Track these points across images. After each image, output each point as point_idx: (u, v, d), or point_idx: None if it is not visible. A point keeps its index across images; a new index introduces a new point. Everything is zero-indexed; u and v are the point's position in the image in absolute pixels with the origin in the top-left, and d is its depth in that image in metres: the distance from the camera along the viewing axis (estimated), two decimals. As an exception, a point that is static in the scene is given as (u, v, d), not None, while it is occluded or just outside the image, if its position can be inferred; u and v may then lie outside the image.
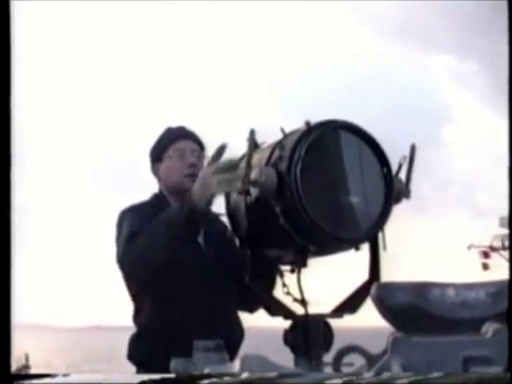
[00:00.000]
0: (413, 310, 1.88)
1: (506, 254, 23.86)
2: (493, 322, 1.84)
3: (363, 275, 2.54)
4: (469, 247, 24.53)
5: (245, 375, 1.75)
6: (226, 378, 1.76)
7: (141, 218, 3.03)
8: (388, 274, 2.52)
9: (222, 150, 2.71)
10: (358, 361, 1.89)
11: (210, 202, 2.71)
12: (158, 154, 3.29)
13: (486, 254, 24.19)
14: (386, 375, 1.72)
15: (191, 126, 3.38)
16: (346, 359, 1.87)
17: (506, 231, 23.48)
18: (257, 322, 3.17)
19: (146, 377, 1.91)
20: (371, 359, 1.86)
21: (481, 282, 1.97)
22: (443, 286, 1.93)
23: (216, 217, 2.96)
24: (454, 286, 1.93)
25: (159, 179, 3.29)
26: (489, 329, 1.82)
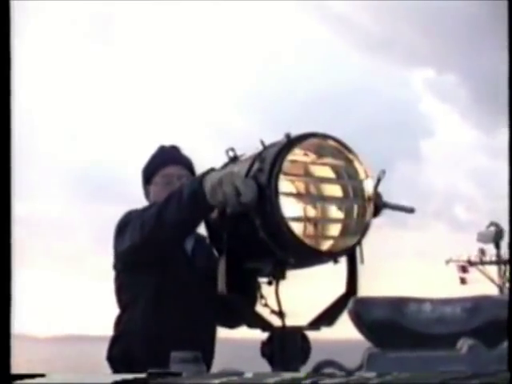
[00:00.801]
0: (389, 325, 1.89)
1: (484, 268, 24.10)
2: (468, 337, 1.85)
3: (340, 288, 2.54)
4: (447, 261, 24.74)
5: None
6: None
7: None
8: (365, 287, 2.53)
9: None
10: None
11: (216, 201, 2.45)
12: (146, 177, 3.35)
13: (463, 269, 24.40)
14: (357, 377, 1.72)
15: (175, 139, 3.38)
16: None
17: (483, 246, 23.73)
18: (234, 333, 3.18)
19: (118, 377, 1.92)
20: (347, 374, 1.86)
21: (457, 297, 1.99)
22: (420, 302, 1.93)
23: None
24: (431, 301, 1.94)
25: (149, 201, 3.32)
26: (464, 344, 1.83)
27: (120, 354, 3.13)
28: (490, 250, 23.90)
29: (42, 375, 1.94)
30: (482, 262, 24.40)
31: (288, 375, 1.80)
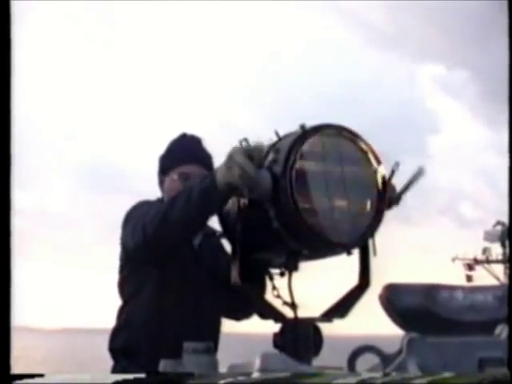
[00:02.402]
0: (421, 311, 1.93)
1: (490, 267, 24.11)
2: (506, 324, 1.85)
3: (353, 280, 2.53)
4: (453, 259, 24.75)
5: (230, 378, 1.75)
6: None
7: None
8: (377, 280, 2.54)
9: (259, 149, 2.42)
10: (371, 361, 1.88)
11: (231, 185, 2.43)
12: (163, 168, 3.27)
13: (470, 267, 24.41)
14: (400, 375, 1.71)
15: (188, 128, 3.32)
16: (361, 358, 1.86)
17: (489, 245, 23.74)
18: (245, 327, 3.17)
19: (119, 377, 1.93)
20: (386, 359, 1.86)
21: (488, 285, 1.98)
22: (452, 289, 1.99)
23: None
24: (463, 288, 1.99)
25: (162, 191, 3.27)
26: (503, 331, 1.83)
27: (122, 344, 3.12)
28: (496, 248, 23.92)
29: (42, 375, 1.95)
30: (488, 261, 24.39)
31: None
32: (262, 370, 1.76)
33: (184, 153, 3.25)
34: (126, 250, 3.00)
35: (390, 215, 2.51)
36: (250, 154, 2.37)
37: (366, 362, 1.86)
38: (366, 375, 1.73)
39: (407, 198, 2.57)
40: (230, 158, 2.41)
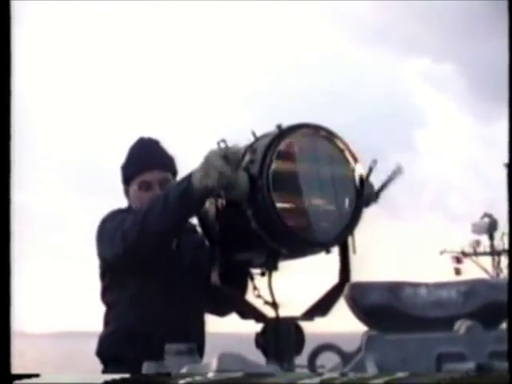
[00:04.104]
0: (386, 308, 1.91)
1: (478, 259, 24.19)
2: (465, 319, 1.87)
3: (333, 278, 2.53)
4: (441, 252, 24.81)
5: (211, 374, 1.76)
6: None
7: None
8: (358, 277, 2.50)
9: (236, 152, 2.40)
10: (332, 360, 1.91)
11: (208, 189, 2.42)
12: (125, 177, 3.19)
13: (458, 260, 24.49)
14: (360, 375, 1.73)
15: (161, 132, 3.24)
16: (321, 357, 1.88)
17: (477, 237, 23.81)
18: (226, 326, 3.17)
19: (109, 377, 1.96)
20: (346, 357, 1.88)
21: (452, 281, 2.02)
22: (415, 286, 1.96)
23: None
24: (426, 285, 1.96)
25: (129, 200, 3.21)
26: (462, 326, 1.85)
27: (108, 350, 3.11)
28: (484, 240, 24.00)
29: (41, 375, 1.96)
30: (476, 253, 24.48)
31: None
32: (219, 370, 1.77)
33: (142, 160, 3.15)
34: (106, 261, 2.98)
35: (377, 211, 2.53)
36: (226, 156, 2.36)
37: (328, 361, 1.88)
38: (324, 376, 1.74)
39: (395, 194, 2.58)
40: (207, 161, 2.41)
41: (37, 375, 1.95)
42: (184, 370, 1.88)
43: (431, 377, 1.73)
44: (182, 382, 1.75)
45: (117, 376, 2.04)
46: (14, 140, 2.07)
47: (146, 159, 3.14)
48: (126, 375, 2.10)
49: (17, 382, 1.92)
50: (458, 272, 24.16)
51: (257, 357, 2.26)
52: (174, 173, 3.15)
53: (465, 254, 24.59)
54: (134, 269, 2.87)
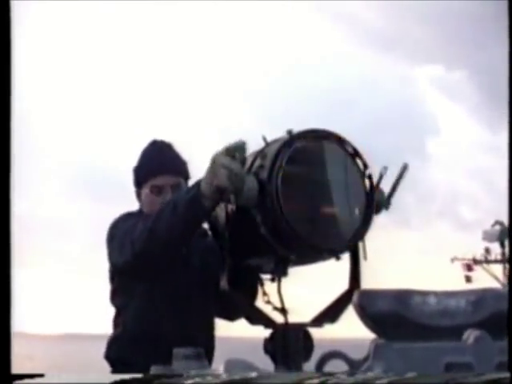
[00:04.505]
0: (394, 317, 1.90)
1: (489, 267, 24.11)
2: (474, 329, 1.86)
3: (343, 285, 2.53)
4: (452, 260, 24.73)
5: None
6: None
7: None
8: (367, 285, 2.50)
9: (241, 146, 2.39)
10: (340, 368, 1.90)
11: (217, 194, 2.41)
12: (137, 181, 3.19)
13: (469, 267, 24.41)
14: (363, 376, 1.72)
15: (172, 135, 3.20)
16: (328, 365, 1.88)
17: (488, 244, 23.75)
18: (236, 331, 3.16)
19: (117, 377, 1.95)
20: (353, 365, 1.87)
21: (461, 290, 2.01)
22: (424, 294, 1.95)
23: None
24: (435, 293, 1.96)
25: (141, 203, 3.21)
26: (470, 336, 1.84)
27: (116, 354, 3.12)
28: (496, 248, 23.91)
29: (42, 375, 1.95)
30: (487, 261, 24.39)
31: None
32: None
33: (154, 164, 3.15)
34: (115, 266, 2.98)
35: (387, 219, 2.53)
36: (232, 153, 2.36)
37: (336, 368, 1.87)
38: (328, 376, 1.74)
39: (405, 201, 2.56)
40: (214, 162, 2.40)
41: (37, 375, 1.95)
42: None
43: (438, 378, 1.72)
44: (189, 382, 1.75)
45: (124, 376, 2.05)
46: (13, 140, 2.09)
47: (158, 163, 3.13)
48: (133, 375, 2.09)
49: (17, 382, 1.92)
50: (468, 280, 24.08)
51: (265, 363, 2.29)
52: (187, 177, 3.14)
53: (476, 262, 24.50)
54: (143, 275, 2.87)
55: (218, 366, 1.86)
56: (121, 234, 2.85)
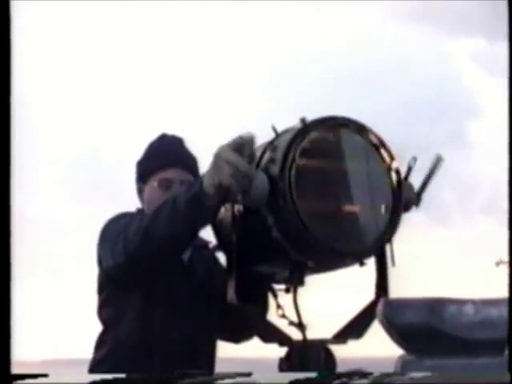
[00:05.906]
0: (425, 329, 1.81)
1: None
2: None
3: (369, 295, 2.41)
4: (497, 263, 24.61)
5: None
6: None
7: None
8: (396, 294, 2.37)
9: (249, 140, 2.24)
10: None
11: (220, 192, 2.27)
12: (142, 174, 3.00)
13: (517, 271, 24.43)
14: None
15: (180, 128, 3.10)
16: None
17: None
18: (246, 351, 3.01)
19: (97, 377, 1.97)
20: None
21: (503, 297, 1.88)
22: (460, 303, 1.84)
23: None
24: (473, 302, 1.85)
25: (142, 201, 3.01)
26: (514, 350, 1.75)
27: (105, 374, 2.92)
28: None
29: (42, 375, 1.94)
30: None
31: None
32: None
33: (164, 156, 2.97)
34: (106, 270, 2.79)
35: (421, 217, 2.41)
36: (239, 148, 2.19)
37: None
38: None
39: (443, 196, 2.42)
40: (218, 156, 2.22)
41: (40, 375, 1.94)
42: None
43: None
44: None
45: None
46: (13, 140, 2.06)
47: (169, 155, 2.97)
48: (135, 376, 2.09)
49: (18, 382, 1.91)
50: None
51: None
52: (196, 175, 2.93)
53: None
54: (138, 281, 2.67)
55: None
56: (113, 233, 2.65)
